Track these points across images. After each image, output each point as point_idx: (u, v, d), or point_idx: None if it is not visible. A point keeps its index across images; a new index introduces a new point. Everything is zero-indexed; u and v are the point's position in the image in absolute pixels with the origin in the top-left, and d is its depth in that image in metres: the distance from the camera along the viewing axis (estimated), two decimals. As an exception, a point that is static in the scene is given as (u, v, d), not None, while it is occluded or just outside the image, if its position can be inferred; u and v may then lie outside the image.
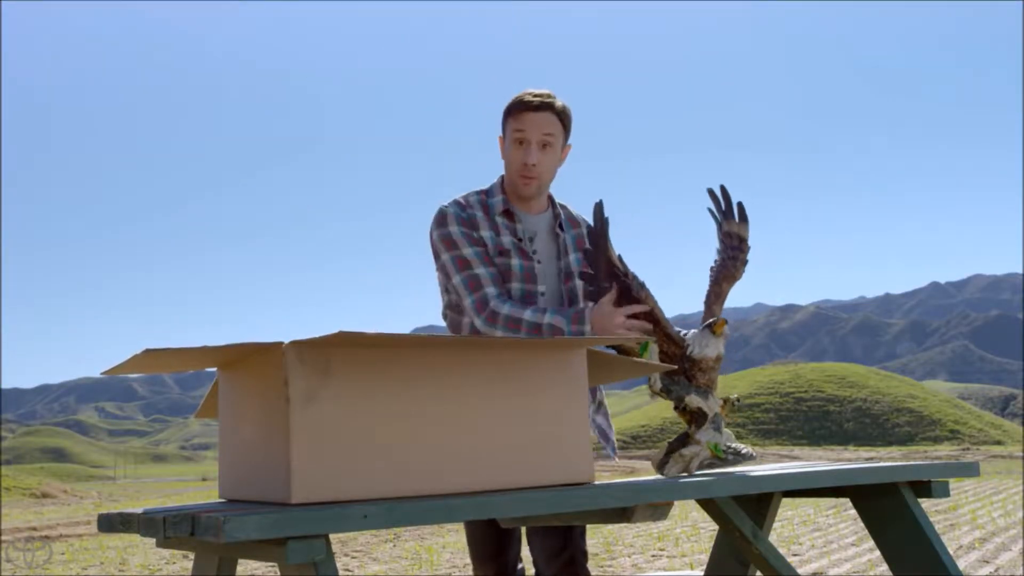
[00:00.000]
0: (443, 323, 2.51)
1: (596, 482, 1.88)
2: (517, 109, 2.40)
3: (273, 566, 5.51)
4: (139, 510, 1.56)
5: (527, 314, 2.28)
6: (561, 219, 2.52)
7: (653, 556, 5.75)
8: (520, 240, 2.42)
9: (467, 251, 2.37)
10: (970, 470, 2.61)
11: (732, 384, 47.62)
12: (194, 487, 31.91)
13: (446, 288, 2.46)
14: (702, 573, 2.91)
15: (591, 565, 5.41)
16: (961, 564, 5.01)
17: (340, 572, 5.53)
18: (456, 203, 2.44)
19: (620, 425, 44.18)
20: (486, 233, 2.40)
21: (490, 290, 2.33)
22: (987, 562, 5.13)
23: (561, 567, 2.32)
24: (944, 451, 30.40)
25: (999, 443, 36.72)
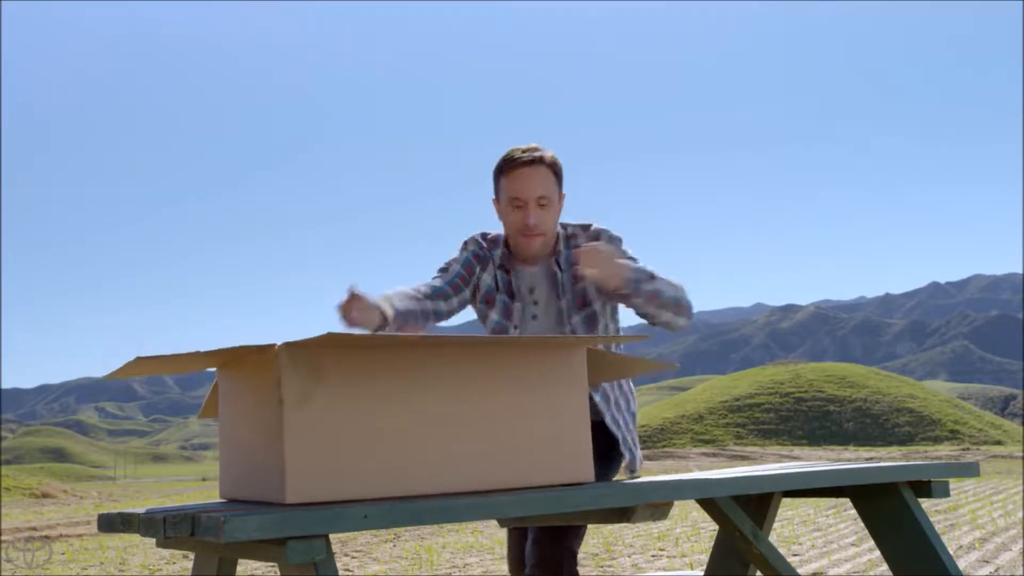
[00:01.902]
0: (440, 324, 2.53)
1: (596, 482, 1.88)
2: (508, 167, 2.37)
3: (273, 566, 5.51)
4: (139, 510, 1.56)
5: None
6: (560, 257, 2.45)
7: (653, 556, 5.75)
8: (513, 296, 2.46)
9: (453, 260, 2.49)
10: (970, 470, 2.61)
11: (732, 384, 47.59)
12: (194, 487, 31.88)
13: None
14: (702, 573, 2.91)
15: (592, 565, 5.40)
16: (961, 564, 5.00)
17: (340, 572, 5.52)
18: (482, 237, 2.53)
19: (620, 425, 43.99)
20: (487, 277, 2.47)
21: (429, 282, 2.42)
22: (987, 562, 5.13)
23: (545, 563, 2.34)
24: (944, 451, 30.38)
25: (999, 443, 36.71)
